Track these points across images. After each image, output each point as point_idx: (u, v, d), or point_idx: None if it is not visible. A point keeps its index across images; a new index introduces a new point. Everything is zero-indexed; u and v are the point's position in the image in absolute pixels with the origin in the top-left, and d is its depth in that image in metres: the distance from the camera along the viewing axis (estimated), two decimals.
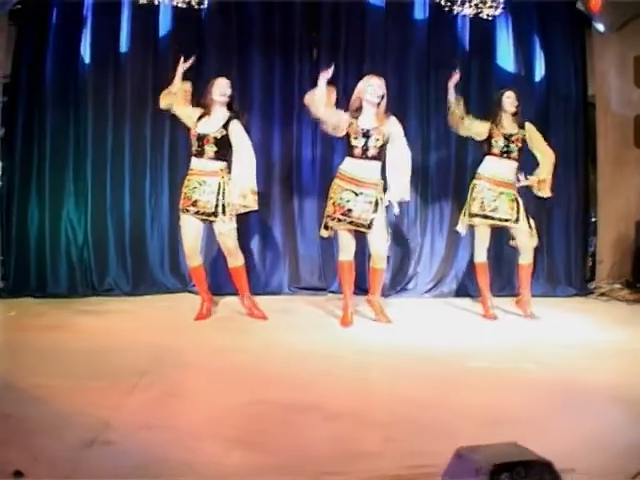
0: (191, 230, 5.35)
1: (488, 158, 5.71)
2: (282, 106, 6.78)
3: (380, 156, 5.24)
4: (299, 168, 6.84)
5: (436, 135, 6.83)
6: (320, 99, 5.09)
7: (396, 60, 6.84)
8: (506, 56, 7.02)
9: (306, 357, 4.35)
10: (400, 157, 5.24)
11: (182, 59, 5.38)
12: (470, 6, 6.10)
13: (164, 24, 6.59)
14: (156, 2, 6.15)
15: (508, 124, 5.65)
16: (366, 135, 5.15)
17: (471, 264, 6.20)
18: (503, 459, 1.76)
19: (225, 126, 5.24)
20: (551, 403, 3.48)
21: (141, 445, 2.72)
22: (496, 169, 5.67)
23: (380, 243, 5.30)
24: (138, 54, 6.57)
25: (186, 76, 5.51)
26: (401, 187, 5.21)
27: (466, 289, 6.76)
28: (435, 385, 3.81)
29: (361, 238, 5.47)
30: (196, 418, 3.19)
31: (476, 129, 5.71)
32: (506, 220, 5.64)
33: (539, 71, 7.08)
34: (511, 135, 5.64)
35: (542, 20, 7.04)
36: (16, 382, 3.48)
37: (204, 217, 5.30)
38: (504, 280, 6.74)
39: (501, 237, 6.06)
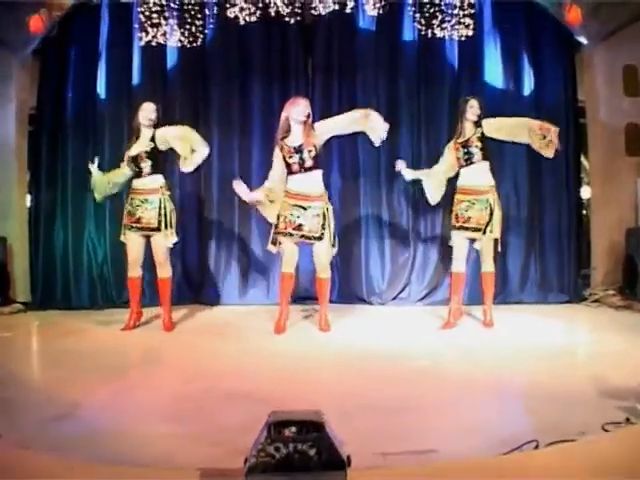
0: (135, 245, 5.76)
1: (460, 171, 5.83)
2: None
3: (318, 165, 5.55)
4: None
5: (427, 149, 7.11)
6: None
7: (387, 78, 7.19)
8: (495, 71, 7.25)
9: (265, 356, 4.87)
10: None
11: None
12: (443, 29, 6.31)
13: (171, 58, 7.17)
14: (154, 43, 6.66)
15: (469, 131, 5.75)
16: (298, 151, 5.44)
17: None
18: (286, 418, 2.10)
19: (152, 140, 5.65)
20: (458, 396, 3.78)
21: (97, 421, 3.34)
22: (466, 178, 5.77)
23: (324, 254, 5.59)
24: (149, 86, 7.12)
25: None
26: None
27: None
28: (362, 379, 4.16)
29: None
30: (146, 402, 3.73)
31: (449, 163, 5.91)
32: (476, 230, 5.71)
33: (528, 84, 7.28)
34: (467, 140, 5.74)
35: (530, 33, 7.25)
36: (18, 374, 4.25)
37: (147, 232, 5.69)
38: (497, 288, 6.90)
39: None
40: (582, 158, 7.69)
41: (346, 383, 4.09)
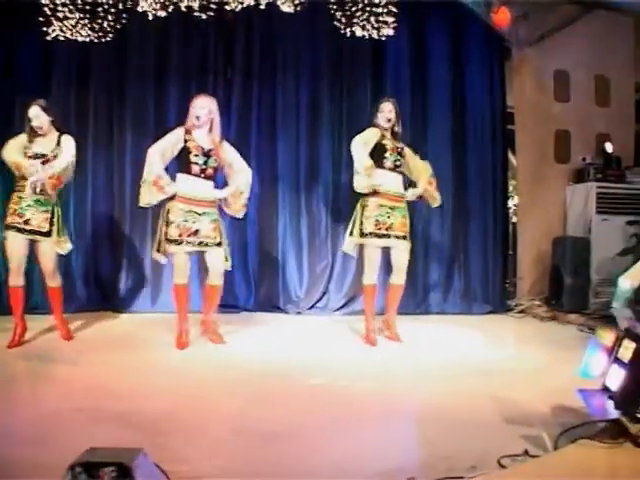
0: (19, 248, 5.14)
1: (380, 172, 5.37)
2: None
3: (214, 177, 5.23)
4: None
5: (347, 154, 6.73)
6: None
7: (308, 80, 6.94)
8: (420, 75, 7.03)
9: (152, 371, 4.51)
10: (247, 180, 5.36)
11: None
12: (363, 28, 6.04)
13: (83, 53, 6.73)
14: (62, 38, 6.19)
15: (390, 140, 5.45)
16: (206, 155, 5.12)
17: (386, 282, 5.92)
18: (89, 459, 1.98)
19: (58, 144, 5.19)
20: (345, 420, 3.50)
21: None
22: (388, 184, 5.39)
23: (220, 260, 5.24)
24: (61, 83, 6.76)
25: None
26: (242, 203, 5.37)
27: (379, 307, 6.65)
28: (250, 399, 3.87)
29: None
30: (12, 420, 3.38)
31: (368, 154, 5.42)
32: (402, 237, 5.42)
33: (455, 89, 7.10)
34: (402, 149, 5.49)
35: (457, 37, 7.08)
36: None
37: (35, 237, 5.16)
38: (419, 298, 6.78)
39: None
40: (512, 159, 7.54)
41: (231, 403, 3.79)
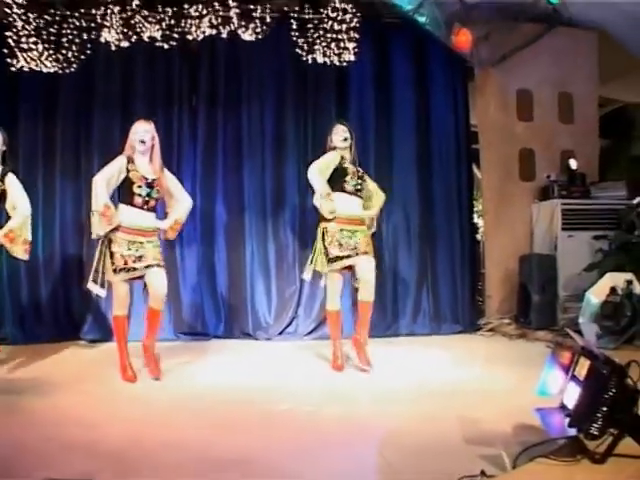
0: None
1: (341, 196, 5.30)
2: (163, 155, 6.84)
3: (156, 208, 5.16)
4: None
5: None
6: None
7: (273, 107, 6.99)
8: (384, 97, 7.08)
9: (115, 401, 4.47)
10: (187, 210, 5.36)
11: None
12: (325, 54, 6.08)
13: (54, 84, 6.72)
14: (27, 69, 6.18)
15: (350, 164, 5.40)
16: (150, 185, 5.02)
17: (353, 306, 5.99)
18: None
19: (2, 179, 4.97)
20: (304, 446, 3.47)
21: None
22: (351, 207, 5.34)
23: (163, 281, 5.04)
24: (29, 115, 6.76)
25: None
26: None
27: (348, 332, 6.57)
28: (210, 427, 3.84)
29: None
30: None
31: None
32: (366, 253, 5.27)
33: (420, 110, 7.17)
34: (364, 174, 5.46)
35: (421, 57, 7.18)
36: None
37: None
38: (389, 321, 6.83)
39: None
40: (477, 178, 7.59)
41: (197, 431, 3.74)
